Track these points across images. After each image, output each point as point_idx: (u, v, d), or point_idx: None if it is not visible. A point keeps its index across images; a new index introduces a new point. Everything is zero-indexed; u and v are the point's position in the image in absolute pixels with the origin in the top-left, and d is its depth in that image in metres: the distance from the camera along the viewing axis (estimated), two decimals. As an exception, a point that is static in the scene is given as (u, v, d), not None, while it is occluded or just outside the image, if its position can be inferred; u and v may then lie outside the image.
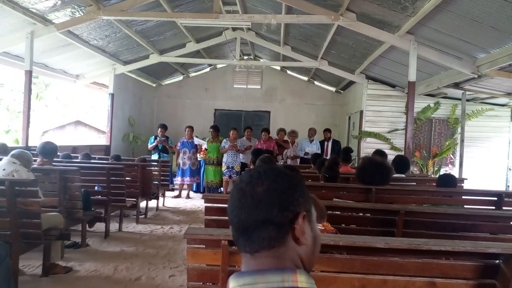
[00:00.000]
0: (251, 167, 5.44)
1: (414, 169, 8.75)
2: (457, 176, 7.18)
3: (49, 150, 4.53)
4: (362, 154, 8.90)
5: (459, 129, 8.42)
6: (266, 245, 0.85)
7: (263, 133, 8.81)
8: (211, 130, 9.14)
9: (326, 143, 9.30)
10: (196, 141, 8.85)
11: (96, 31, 7.46)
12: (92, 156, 6.92)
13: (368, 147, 8.88)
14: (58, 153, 6.32)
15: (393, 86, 9.20)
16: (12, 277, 3.18)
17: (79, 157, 6.49)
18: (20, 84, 9.20)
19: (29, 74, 6.65)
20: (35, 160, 4.40)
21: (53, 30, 6.55)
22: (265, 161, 4.08)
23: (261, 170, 0.90)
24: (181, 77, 13.27)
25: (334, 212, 3.05)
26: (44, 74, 9.07)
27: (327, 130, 9.44)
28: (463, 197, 4.27)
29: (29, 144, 6.61)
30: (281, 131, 9.21)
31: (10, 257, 3.25)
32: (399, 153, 7.70)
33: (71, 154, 6.65)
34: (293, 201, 0.87)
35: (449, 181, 4.11)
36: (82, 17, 6.50)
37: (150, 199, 6.95)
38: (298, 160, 9.08)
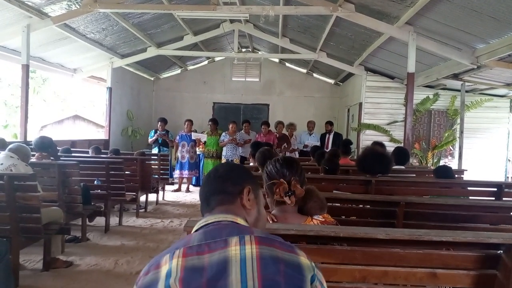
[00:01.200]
0: (251, 160, 5.44)
1: (413, 161, 8.76)
2: (456, 167, 7.21)
3: (46, 143, 4.51)
4: (362, 146, 8.90)
5: (458, 120, 8.41)
6: (219, 203, 1.22)
7: (263, 126, 8.79)
8: (210, 123, 9.12)
9: (327, 135, 9.27)
10: (194, 136, 8.80)
11: (93, 24, 7.41)
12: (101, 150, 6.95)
13: (368, 139, 8.86)
14: (58, 148, 6.33)
15: (392, 77, 9.18)
16: (12, 273, 3.18)
17: (90, 151, 6.51)
18: (17, 78, 9.15)
19: (26, 68, 6.61)
20: (33, 155, 4.38)
21: (50, 23, 6.49)
22: (265, 154, 4.07)
23: (223, 164, 1.38)
24: (179, 71, 13.21)
25: (334, 204, 3.04)
26: (41, 68, 9.01)
27: (329, 123, 9.39)
28: (463, 188, 4.27)
29: (28, 139, 6.59)
30: (280, 124, 9.18)
31: (10, 252, 3.25)
32: (399, 145, 7.69)
33: (71, 149, 6.64)
34: (242, 180, 1.28)
35: (446, 173, 4.11)
36: (78, 10, 6.44)
37: (150, 193, 6.96)
38: (296, 153, 9.07)
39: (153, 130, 8.97)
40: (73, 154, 6.20)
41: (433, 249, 1.89)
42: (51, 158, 4.64)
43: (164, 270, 1.05)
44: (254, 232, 1.09)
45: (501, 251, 1.82)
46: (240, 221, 1.16)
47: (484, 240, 1.82)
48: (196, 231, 1.16)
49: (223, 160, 8.68)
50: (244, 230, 1.09)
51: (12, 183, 3.29)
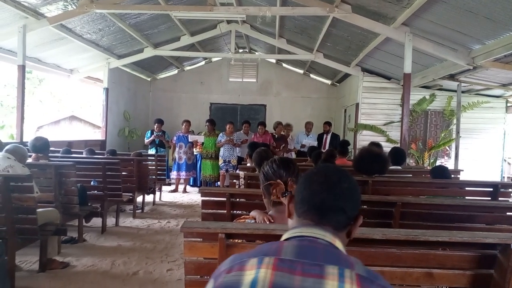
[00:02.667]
0: (248, 160, 5.43)
1: (410, 161, 8.78)
2: (453, 167, 7.23)
3: (40, 146, 4.50)
4: (358, 147, 8.92)
5: (454, 121, 8.44)
6: (333, 225, 1.05)
7: (259, 127, 8.80)
8: (207, 124, 9.11)
9: (325, 135, 9.28)
10: (191, 138, 8.78)
11: (89, 24, 7.39)
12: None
13: (364, 139, 8.89)
14: (58, 149, 6.32)
15: (388, 78, 9.20)
16: (7, 274, 3.16)
17: (84, 153, 6.49)
18: (13, 79, 9.12)
19: (22, 69, 6.59)
20: (30, 156, 4.37)
21: (46, 23, 6.48)
22: (262, 154, 4.07)
23: (344, 171, 1.13)
24: (176, 71, 13.20)
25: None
26: (37, 69, 8.99)
27: (327, 123, 9.40)
28: (460, 188, 4.28)
29: (24, 140, 6.56)
30: (279, 124, 9.17)
31: (6, 253, 3.24)
32: (395, 145, 7.71)
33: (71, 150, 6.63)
34: (359, 204, 1.12)
35: (442, 172, 4.12)
36: (74, 10, 6.43)
37: (147, 194, 6.94)
38: (293, 153, 9.08)
39: (149, 131, 8.95)
40: (74, 156, 6.20)
41: (430, 249, 1.90)
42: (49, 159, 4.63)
43: (249, 276, 0.92)
44: (355, 266, 0.93)
45: (497, 251, 1.83)
46: (339, 244, 1.01)
47: (480, 240, 1.83)
48: (286, 239, 1.03)
49: (220, 161, 8.67)
50: (344, 260, 0.94)
51: (8, 184, 3.27)
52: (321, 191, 1.07)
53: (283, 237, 1.04)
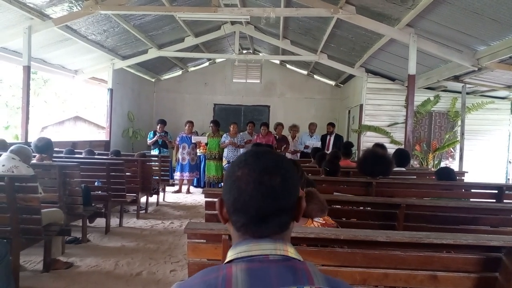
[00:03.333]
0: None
1: (414, 163, 8.75)
2: (457, 169, 7.19)
3: (42, 146, 4.51)
4: (362, 148, 8.90)
5: (459, 122, 8.40)
6: (278, 230, 0.91)
7: (262, 128, 8.79)
8: (211, 125, 9.11)
9: (328, 137, 9.26)
10: (194, 139, 8.78)
11: (94, 25, 7.42)
12: (94, 152, 6.92)
13: (368, 140, 8.86)
14: (63, 149, 6.34)
15: (393, 79, 9.18)
16: (12, 274, 3.18)
17: (83, 153, 6.50)
18: (18, 79, 9.17)
19: (27, 69, 6.62)
20: (34, 156, 4.39)
21: (51, 25, 6.51)
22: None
23: (269, 157, 0.94)
24: (180, 72, 13.23)
25: (334, 206, 3.04)
26: (42, 70, 9.02)
27: (331, 124, 9.37)
28: (464, 190, 4.26)
29: (29, 140, 6.59)
30: (279, 125, 9.15)
31: (11, 253, 3.25)
32: (399, 146, 7.69)
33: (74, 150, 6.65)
34: (298, 188, 0.95)
35: (448, 174, 4.11)
36: (79, 11, 6.46)
37: (151, 195, 6.95)
38: (298, 154, 9.06)
39: (152, 132, 8.96)
40: (75, 156, 6.21)
41: (434, 251, 1.89)
42: (53, 160, 4.64)
43: None
44: (314, 279, 0.84)
45: (502, 254, 1.82)
46: (291, 251, 0.89)
47: (485, 243, 1.82)
48: (230, 261, 0.89)
49: (224, 162, 8.67)
50: (301, 276, 0.84)
51: (13, 185, 3.29)
52: (254, 198, 0.89)
53: (229, 257, 0.90)
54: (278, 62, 12.92)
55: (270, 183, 0.89)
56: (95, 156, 6.68)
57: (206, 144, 8.90)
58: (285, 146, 8.82)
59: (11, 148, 3.87)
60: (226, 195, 0.93)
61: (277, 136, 8.97)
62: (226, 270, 0.85)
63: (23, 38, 6.48)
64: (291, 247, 0.91)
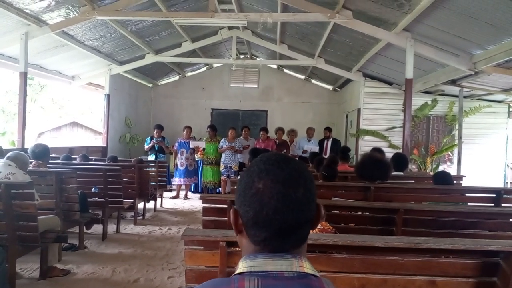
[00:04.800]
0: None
1: (412, 167, 8.75)
2: (455, 173, 7.21)
3: (39, 152, 4.50)
4: (360, 152, 8.90)
5: (456, 126, 8.42)
6: (299, 244, 0.89)
7: (261, 133, 8.79)
8: (208, 130, 9.09)
9: (325, 141, 9.26)
10: (192, 144, 8.75)
11: (91, 31, 7.42)
12: (90, 157, 6.89)
13: (366, 145, 8.87)
14: (59, 155, 6.32)
15: (390, 83, 9.20)
16: (8, 281, 3.15)
17: (77, 159, 6.47)
18: (15, 85, 9.15)
19: (24, 75, 6.60)
20: (31, 163, 4.37)
21: (48, 31, 6.51)
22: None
23: (293, 169, 0.89)
24: (177, 77, 13.23)
25: (332, 211, 3.03)
26: (39, 76, 9.01)
27: (328, 129, 9.37)
28: (462, 194, 4.26)
29: (25, 146, 6.56)
30: (279, 130, 9.17)
31: (7, 260, 3.23)
32: (397, 151, 7.69)
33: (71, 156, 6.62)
34: (316, 194, 0.91)
35: (445, 178, 4.10)
36: (76, 17, 6.46)
37: (148, 200, 6.92)
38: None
39: (149, 137, 8.93)
40: (71, 162, 6.19)
41: (432, 256, 1.88)
42: (49, 166, 4.62)
43: None
44: None
45: (500, 259, 1.81)
46: (307, 267, 0.85)
47: (483, 248, 1.82)
48: (241, 273, 0.86)
49: (221, 166, 8.66)
50: None
51: (9, 192, 3.27)
52: (279, 212, 0.85)
53: (241, 268, 0.86)
54: (275, 66, 12.95)
55: (295, 195, 0.85)
56: (92, 162, 6.66)
57: (204, 149, 8.88)
58: (285, 151, 8.82)
59: (8, 154, 3.86)
60: (244, 207, 0.87)
61: (278, 141, 8.97)
62: (238, 283, 0.82)
63: (20, 44, 6.47)
64: (307, 261, 0.87)
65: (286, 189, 0.85)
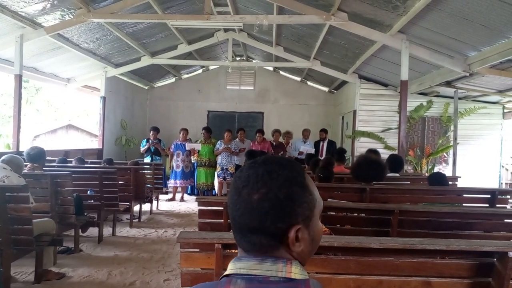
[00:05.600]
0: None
1: (408, 168, 8.78)
2: (451, 174, 7.23)
3: (34, 155, 4.48)
4: (356, 154, 8.92)
5: (452, 127, 8.45)
6: (258, 249, 0.86)
7: (257, 135, 8.80)
8: (203, 131, 9.09)
9: (321, 143, 9.28)
10: (188, 146, 8.72)
11: (86, 34, 7.40)
12: (85, 160, 6.87)
13: (362, 146, 8.88)
14: (55, 158, 6.29)
15: (385, 85, 9.23)
16: (3, 285, 3.13)
17: (73, 162, 6.44)
18: (10, 88, 9.11)
19: (19, 78, 6.58)
20: (26, 166, 4.35)
21: (43, 33, 6.49)
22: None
23: (259, 172, 0.86)
24: (173, 79, 13.22)
25: (328, 213, 3.04)
26: (34, 78, 8.98)
27: (323, 131, 9.39)
28: (457, 195, 4.28)
29: (20, 149, 6.53)
30: (276, 132, 9.17)
31: (1, 264, 3.21)
32: (393, 152, 7.71)
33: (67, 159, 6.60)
34: (289, 213, 0.84)
35: (440, 179, 4.12)
36: (72, 20, 6.44)
37: (144, 203, 6.91)
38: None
39: (145, 139, 8.92)
40: (66, 165, 6.17)
41: (427, 257, 1.89)
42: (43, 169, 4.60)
43: None
44: None
45: (495, 259, 1.82)
46: (295, 272, 0.83)
47: (478, 248, 1.83)
48: (229, 275, 0.85)
49: (218, 168, 8.66)
50: None
51: (4, 195, 3.25)
52: (236, 211, 0.86)
53: (228, 270, 0.86)
54: (271, 69, 12.96)
55: (248, 198, 0.84)
56: (88, 165, 6.63)
57: (199, 151, 8.86)
58: (281, 153, 8.83)
59: (2, 157, 3.84)
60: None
61: (274, 143, 8.98)
62: (224, 287, 0.82)
63: (15, 46, 6.44)
64: (296, 266, 0.84)
65: (240, 189, 0.86)
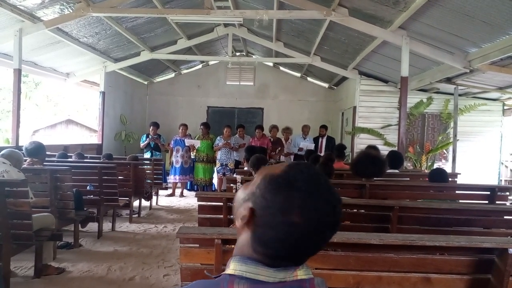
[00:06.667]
0: (245, 164, 5.42)
1: (407, 164, 8.79)
2: (450, 170, 7.23)
3: (33, 150, 4.47)
4: (356, 150, 8.91)
5: (451, 124, 8.45)
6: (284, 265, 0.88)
7: (257, 130, 8.79)
8: (201, 127, 9.09)
9: (320, 139, 9.28)
10: (187, 142, 8.71)
11: (85, 28, 7.37)
12: (85, 155, 6.86)
13: (362, 143, 8.88)
14: (55, 153, 6.28)
15: (385, 81, 9.22)
16: (3, 280, 3.13)
17: (73, 157, 6.43)
18: (9, 83, 9.09)
19: (18, 72, 6.55)
20: (25, 160, 4.34)
21: (42, 27, 6.45)
22: (259, 159, 4.06)
23: (340, 213, 0.91)
24: (173, 74, 13.19)
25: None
26: (33, 73, 8.95)
27: (323, 127, 9.39)
28: (457, 191, 4.28)
29: (20, 144, 6.52)
30: (274, 128, 9.17)
31: (1, 259, 3.21)
32: (393, 148, 7.71)
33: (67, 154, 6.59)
34: None
35: (441, 175, 4.12)
36: (71, 14, 6.41)
37: (144, 198, 6.91)
38: (292, 157, 9.07)
39: (145, 135, 8.91)
40: (66, 160, 6.16)
41: (427, 253, 1.89)
42: (44, 164, 4.60)
43: None
44: None
45: (495, 256, 1.82)
46: (300, 274, 0.85)
47: (477, 245, 1.83)
48: (232, 275, 0.84)
49: (217, 164, 8.66)
50: None
51: (3, 189, 3.25)
52: (308, 244, 0.85)
53: (232, 270, 0.84)
54: (271, 64, 12.92)
55: (331, 234, 0.87)
56: (87, 160, 6.62)
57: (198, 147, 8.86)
58: (279, 148, 8.83)
59: (2, 152, 3.83)
60: (267, 226, 0.83)
61: (272, 139, 8.97)
62: (227, 287, 0.81)
63: (14, 40, 6.41)
64: (302, 268, 0.85)
65: (328, 227, 0.86)
